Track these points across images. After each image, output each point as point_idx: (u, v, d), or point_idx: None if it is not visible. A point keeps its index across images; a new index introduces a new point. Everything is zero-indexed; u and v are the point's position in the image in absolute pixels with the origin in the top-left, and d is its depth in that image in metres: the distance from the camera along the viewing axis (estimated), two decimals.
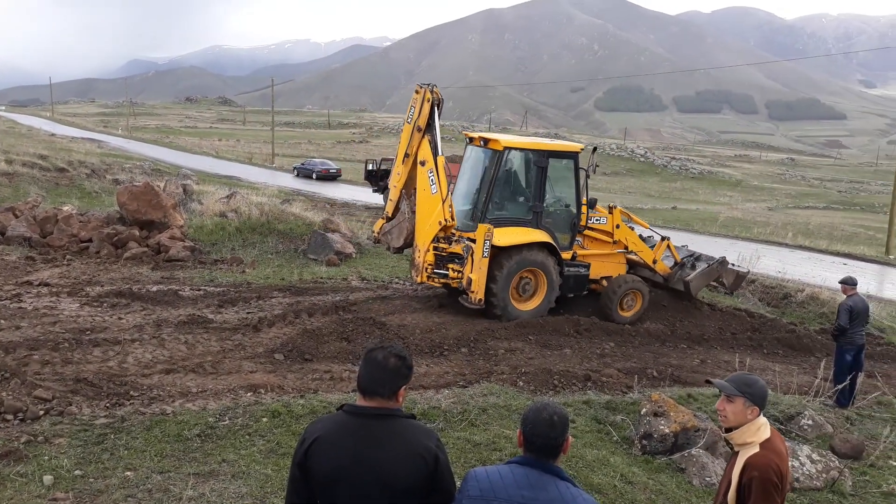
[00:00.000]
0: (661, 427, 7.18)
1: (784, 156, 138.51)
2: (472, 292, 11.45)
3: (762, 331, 13.28)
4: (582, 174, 12.56)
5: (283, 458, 5.95)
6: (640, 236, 13.81)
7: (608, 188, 67.33)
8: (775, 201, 63.47)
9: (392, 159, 33.52)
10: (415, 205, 12.13)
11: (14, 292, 11.22)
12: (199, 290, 12.55)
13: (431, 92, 11.94)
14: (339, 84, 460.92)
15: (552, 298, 12.19)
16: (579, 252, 12.78)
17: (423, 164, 11.85)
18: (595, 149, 13.57)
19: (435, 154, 11.76)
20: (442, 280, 11.98)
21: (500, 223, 11.79)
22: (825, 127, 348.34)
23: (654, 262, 13.56)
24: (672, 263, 13.81)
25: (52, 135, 56.62)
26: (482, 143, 12.47)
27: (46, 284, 11.95)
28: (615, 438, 7.34)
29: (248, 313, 11.21)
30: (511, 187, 12.58)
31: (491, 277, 11.54)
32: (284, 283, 13.64)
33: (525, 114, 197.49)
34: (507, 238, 11.65)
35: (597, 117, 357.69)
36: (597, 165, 12.63)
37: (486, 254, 11.35)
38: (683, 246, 14.96)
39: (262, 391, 7.67)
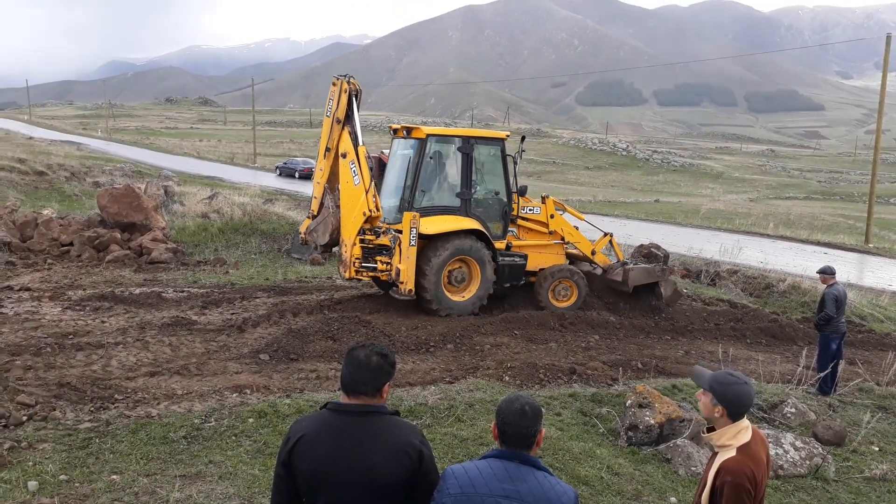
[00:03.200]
0: (647, 418, 7.24)
1: (764, 147, 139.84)
2: (402, 283, 11.15)
3: (745, 321, 13.38)
4: (510, 161, 12.27)
5: (271, 458, 5.92)
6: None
7: (592, 182, 67.74)
8: (756, 192, 64.01)
9: (373, 157, 33.71)
10: (339, 199, 11.72)
11: None
12: (183, 291, 12.49)
13: (348, 83, 11.61)
14: (320, 82, 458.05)
15: (488, 288, 11.96)
16: (515, 243, 12.55)
17: (344, 156, 11.45)
18: (524, 137, 13.16)
19: (356, 145, 11.39)
20: (371, 273, 11.54)
21: (427, 212, 11.48)
22: (804, 118, 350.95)
23: (593, 252, 13.21)
24: (615, 260, 13.41)
25: (30, 138, 55.90)
26: (405, 133, 12.28)
27: (27, 289, 11.85)
28: (601, 430, 7.38)
29: (232, 314, 11.17)
30: (438, 176, 12.25)
31: (420, 267, 11.27)
32: (268, 283, 13.60)
33: (507, 109, 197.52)
34: (434, 226, 11.38)
35: (578, 112, 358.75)
36: (523, 152, 12.29)
37: (413, 242, 11.02)
38: (652, 243, 14.52)
39: (248, 392, 7.64)
